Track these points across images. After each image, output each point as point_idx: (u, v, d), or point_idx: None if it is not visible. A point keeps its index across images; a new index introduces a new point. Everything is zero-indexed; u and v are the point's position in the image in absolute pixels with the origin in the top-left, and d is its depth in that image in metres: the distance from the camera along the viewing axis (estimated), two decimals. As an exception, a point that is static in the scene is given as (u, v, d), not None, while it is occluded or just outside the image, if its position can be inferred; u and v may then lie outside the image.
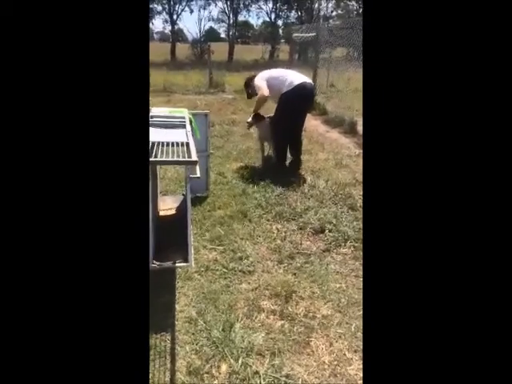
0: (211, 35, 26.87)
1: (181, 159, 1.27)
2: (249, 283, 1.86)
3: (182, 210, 2.38)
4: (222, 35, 30.11)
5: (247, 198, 2.78)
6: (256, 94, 3.26)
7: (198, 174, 2.02)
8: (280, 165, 3.30)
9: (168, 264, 1.85)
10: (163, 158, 1.28)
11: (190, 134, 1.69)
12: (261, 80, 3.17)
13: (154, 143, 1.47)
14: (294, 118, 3.23)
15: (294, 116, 3.22)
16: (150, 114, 2.08)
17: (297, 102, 3.11)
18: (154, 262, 1.81)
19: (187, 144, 1.49)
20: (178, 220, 2.25)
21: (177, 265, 1.87)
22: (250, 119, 3.34)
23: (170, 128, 1.87)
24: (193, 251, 1.98)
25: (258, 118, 3.32)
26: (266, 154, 3.59)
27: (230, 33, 21.65)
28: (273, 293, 1.78)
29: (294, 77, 3.18)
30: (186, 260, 1.87)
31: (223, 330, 1.54)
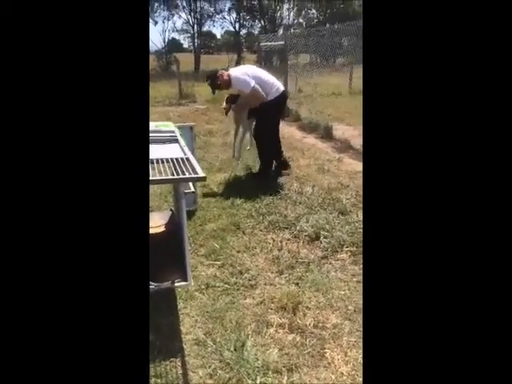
0: (173, 46, 26.68)
1: (188, 176, 1.22)
2: (253, 298, 1.82)
3: (172, 226, 2.30)
4: (185, 45, 29.96)
5: (237, 209, 2.74)
6: (227, 87, 3.13)
7: (192, 189, 1.97)
8: (266, 173, 3.29)
9: (166, 284, 1.76)
10: (168, 177, 1.22)
11: (186, 148, 1.64)
12: (250, 78, 2.99)
13: (151, 160, 1.41)
14: (277, 125, 3.25)
15: (277, 123, 3.24)
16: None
17: (280, 109, 3.15)
18: (152, 283, 1.73)
19: (187, 159, 1.43)
20: (170, 237, 2.17)
21: (176, 284, 1.79)
22: (224, 104, 3.27)
23: (162, 143, 1.80)
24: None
25: (232, 99, 3.22)
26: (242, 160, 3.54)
27: (196, 43, 21.58)
28: (279, 305, 1.74)
29: (277, 82, 3.20)
30: (184, 279, 1.79)
31: (235, 349, 1.49)
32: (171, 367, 1.42)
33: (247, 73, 3.07)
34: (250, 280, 1.94)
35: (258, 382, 1.34)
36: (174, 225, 2.27)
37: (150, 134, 1.94)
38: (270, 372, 1.38)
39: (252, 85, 2.97)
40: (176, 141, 1.82)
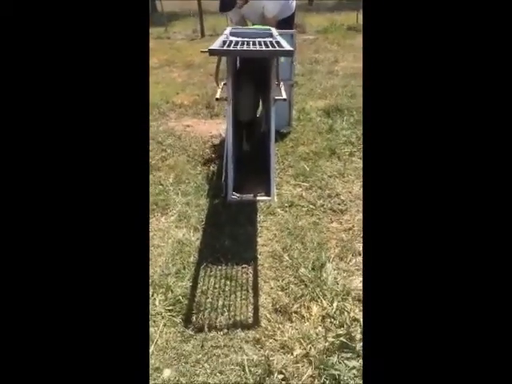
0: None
1: (273, 49, 1.00)
2: (340, 223, 1.60)
3: (263, 140, 2.16)
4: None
5: (335, 135, 2.44)
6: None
7: (284, 96, 1.75)
8: None
9: (248, 197, 1.69)
10: (254, 48, 1.02)
11: (279, 37, 1.40)
12: None
13: (237, 42, 1.22)
14: None
15: None
16: (230, 30, 1.81)
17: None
18: (234, 193, 1.66)
19: (277, 42, 1.21)
20: (259, 151, 2.05)
21: (258, 198, 1.70)
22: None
23: (255, 38, 1.59)
24: (275, 186, 1.77)
25: None
26: None
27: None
28: (370, 234, 1.50)
29: None
30: (267, 194, 1.69)
31: (313, 268, 1.33)
32: (242, 273, 1.34)
33: None
34: (339, 204, 1.71)
35: (334, 305, 1.17)
36: (266, 139, 2.13)
37: (246, 31, 1.75)
38: (351, 299, 1.20)
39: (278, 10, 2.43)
40: (271, 35, 1.58)
